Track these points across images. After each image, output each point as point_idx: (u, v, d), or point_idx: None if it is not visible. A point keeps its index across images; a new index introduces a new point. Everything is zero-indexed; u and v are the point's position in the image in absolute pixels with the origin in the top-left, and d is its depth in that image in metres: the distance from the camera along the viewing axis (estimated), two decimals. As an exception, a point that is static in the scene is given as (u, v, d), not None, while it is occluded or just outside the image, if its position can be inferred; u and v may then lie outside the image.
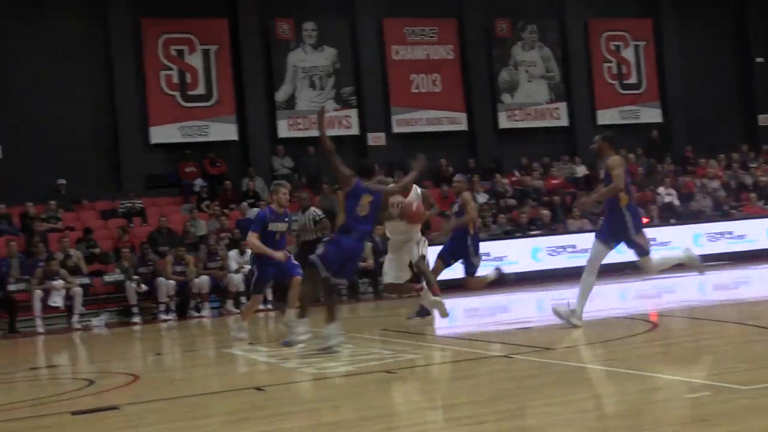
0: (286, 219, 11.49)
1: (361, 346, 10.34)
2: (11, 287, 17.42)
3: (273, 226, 11.18)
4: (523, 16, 26.08)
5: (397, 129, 24.96)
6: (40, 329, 16.79)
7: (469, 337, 11.16)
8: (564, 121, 26.39)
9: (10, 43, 21.44)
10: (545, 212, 21.89)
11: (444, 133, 25.40)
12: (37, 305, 17.05)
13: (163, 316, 17.58)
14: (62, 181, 20.72)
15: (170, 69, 23.26)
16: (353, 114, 24.55)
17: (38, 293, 17.07)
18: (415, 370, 8.35)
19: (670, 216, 22.56)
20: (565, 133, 26.45)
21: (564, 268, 19.35)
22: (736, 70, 28.46)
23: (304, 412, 6.58)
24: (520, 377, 7.43)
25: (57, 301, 17.13)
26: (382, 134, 24.75)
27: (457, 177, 13.50)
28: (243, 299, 17.39)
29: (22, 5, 21.68)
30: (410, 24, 25.31)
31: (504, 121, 25.97)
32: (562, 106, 26.40)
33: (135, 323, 17.24)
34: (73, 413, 7.06)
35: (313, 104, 23.78)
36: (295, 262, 11.63)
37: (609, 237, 10.00)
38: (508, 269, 14.67)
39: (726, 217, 22.64)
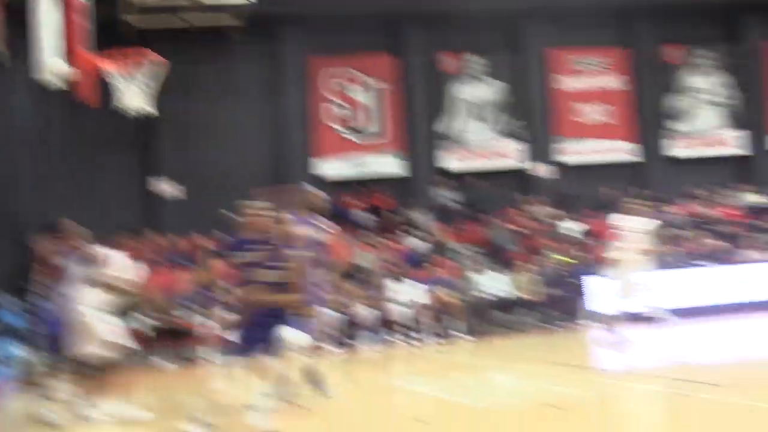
0: None
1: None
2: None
3: None
4: (694, 41, 25.45)
5: (563, 159, 24.78)
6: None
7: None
8: (739, 149, 25.69)
9: (196, 85, 22.35)
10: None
11: (612, 164, 25.09)
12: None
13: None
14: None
15: (340, 106, 23.83)
16: (520, 146, 24.55)
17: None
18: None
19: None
20: (741, 161, 25.71)
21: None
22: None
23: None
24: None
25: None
26: (549, 165, 24.55)
27: None
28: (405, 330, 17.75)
29: (207, 49, 22.51)
30: (578, 53, 25.26)
31: (674, 150, 25.44)
32: (737, 134, 25.70)
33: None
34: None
35: (479, 136, 24.12)
36: None
37: None
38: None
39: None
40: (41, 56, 9.76)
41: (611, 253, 14.44)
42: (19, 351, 17.75)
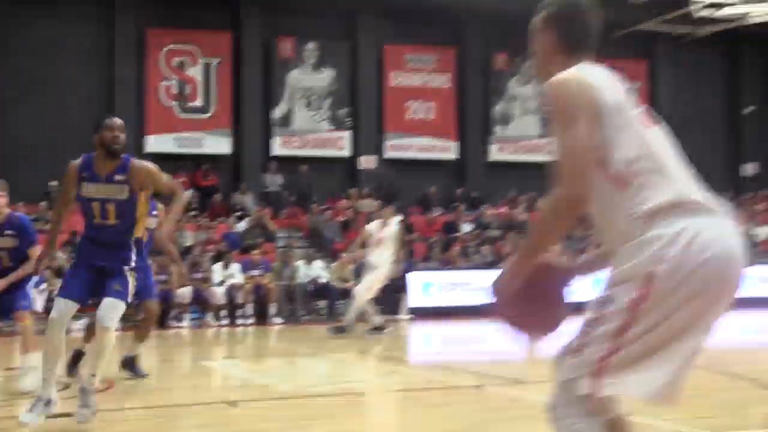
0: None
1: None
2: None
3: None
4: (521, 51, 26.32)
5: (389, 154, 25.42)
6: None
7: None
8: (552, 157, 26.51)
9: (20, 44, 21.80)
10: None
11: (435, 162, 25.88)
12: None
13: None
14: (54, 183, 20.97)
15: (170, 80, 23.72)
16: (347, 136, 24.95)
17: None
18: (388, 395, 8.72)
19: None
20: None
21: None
22: (723, 118, 28.89)
23: (275, 430, 6.95)
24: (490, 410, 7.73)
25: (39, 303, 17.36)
26: (374, 157, 25.12)
27: None
28: (223, 312, 17.85)
29: (33, 6, 21.99)
30: (410, 51, 25.84)
31: (495, 154, 26.42)
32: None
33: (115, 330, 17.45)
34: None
35: (308, 124, 24.38)
36: None
37: None
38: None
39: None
40: None
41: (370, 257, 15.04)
42: None
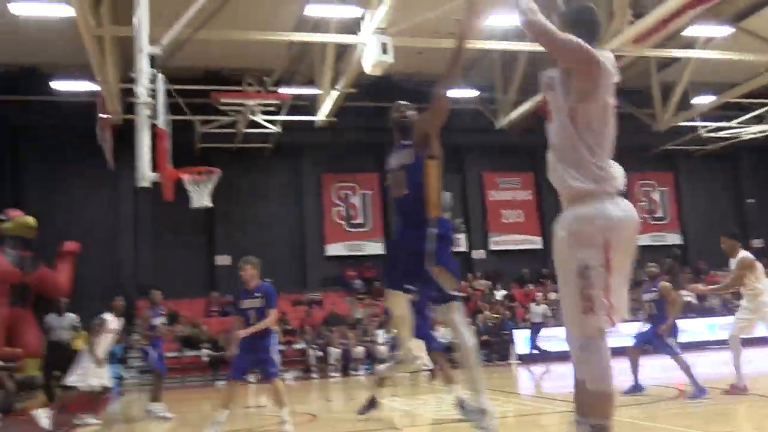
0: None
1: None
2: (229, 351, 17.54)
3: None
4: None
5: (492, 247, 24.48)
6: (251, 379, 16.72)
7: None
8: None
9: (242, 188, 21.87)
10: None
11: (525, 251, 24.80)
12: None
13: (332, 374, 17.39)
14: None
15: (340, 206, 23.59)
16: (462, 237, 24.18)
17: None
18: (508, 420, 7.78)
19: (689, 311, 21.28)
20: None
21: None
22: (731, 208, 27.11)
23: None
24: None
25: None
26: (483, 251, 24.26)
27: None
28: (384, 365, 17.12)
29: (251, 160, 22.16)
30: (501, 176, 25.13)
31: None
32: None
33: (313, 378, 17.07)
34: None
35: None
36: None
37: None
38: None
39: (730, 311, 21.26)
40: (139, 166, 9.38)
41: None
42: (119, 372, 17.35)
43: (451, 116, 20.08)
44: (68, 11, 12.75)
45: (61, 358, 11.83)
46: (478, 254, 24.15)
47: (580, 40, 3.34)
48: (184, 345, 18.25)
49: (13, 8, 14.04)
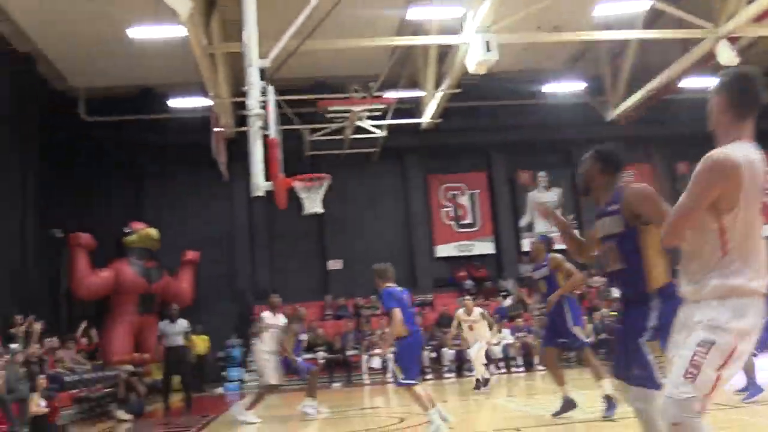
0: None
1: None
2: (348, 352, 17.86)
3: None
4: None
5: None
6: (366, 381, 17.00)
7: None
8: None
9: (350, 193, 22.16)
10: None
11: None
12: (364, 365, 17.34)
13: (447, 375, 17.36)
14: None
15: (448, 207, 23.57)
16: (577, 233, 23.56)
17: (365, 357, 17.36)
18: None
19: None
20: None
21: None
22: None
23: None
24: None
25: (375, 363, 17.34)
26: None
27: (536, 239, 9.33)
28: (501, 364, 16.94)
29: (358, 165, 22.50)
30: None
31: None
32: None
33: (428, 380, 17.10)
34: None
35: (545, 227, 23.50)
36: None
37: None
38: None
39: None
40: (252, 176, 9.70)
41: None
42: (239, 374, 17.96)
43: (559, 111, 19.88)
44: (181, 32, 13.34)
45: (177, 362, 12.40)
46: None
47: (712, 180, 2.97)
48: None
49: (131, 33, 14.83)
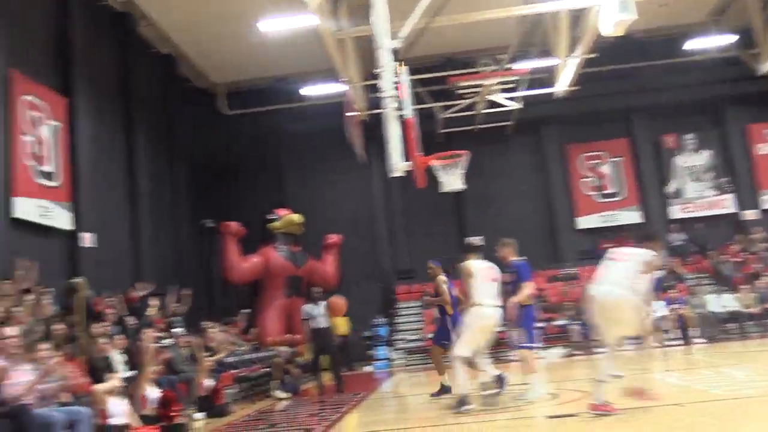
0: None
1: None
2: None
3: None
4: None
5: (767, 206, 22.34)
6: (515, 357, 16.96)
7: None
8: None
9: (486, 168, 22.03)
10: None
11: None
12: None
13: (596, 350, 17.03)
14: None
15: (588, 177, 23.00)
16: (729, 198, 22.39)
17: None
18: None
19: None
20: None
21: None
22: None
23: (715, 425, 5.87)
24: None
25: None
26: (754, 211, 22.22)
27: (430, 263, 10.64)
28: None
29: (493, 139, 22.33)
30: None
31: None
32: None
33: (575, 354, 16.86)
34: (548, 417, 6.94)
35: (696, 193, 22.47)
36: None
37: None
38: None
39: None
40: (389, 157, 9.94)
41: None
42: (386, 352, 18.49)
43: (705, 68, 18.90)
44: (310, 21, 13.78)
45: (323, 343, 12.92)
46: (750, 214, 22.18)
47: None
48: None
49: (261, 26, 15.50)
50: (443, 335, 10.05)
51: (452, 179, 10.04)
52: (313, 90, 20.59)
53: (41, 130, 13.72)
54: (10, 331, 6.77)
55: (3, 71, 12.72)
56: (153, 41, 18.99)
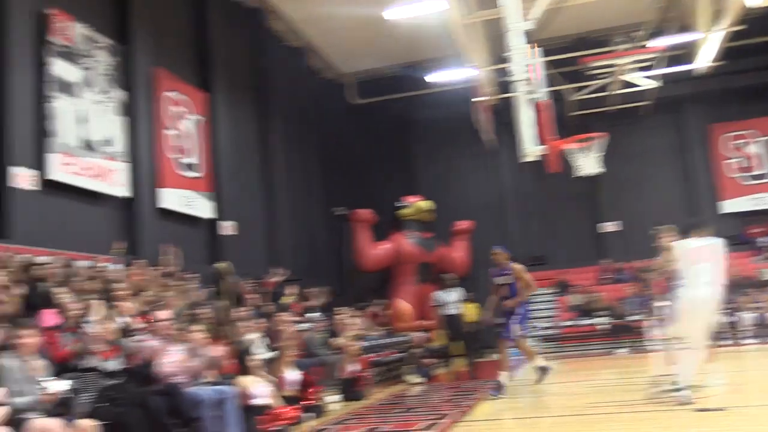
0: None
1: None
2: (629, 318, 17.40)
3: None
4: None
5: None
6: (655, 347, 16.37)
7: None
8: None
9: (621, 151, 21.21)
10: None
11: None
12: (650, 332, 16.72)
13: (747, 340, 16.19)
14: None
15: (735, 158, 21.75)
16: None
17: (649, 323, 16.74)
18: None
19: None
20: None
21: None
22: None
23: None
24: None
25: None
26: None
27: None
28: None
29: (628, 121, 21.52)
30: None
31: None
32: None
33: (724, 345, 16.05)
34: (697, 410, 6.67)
35: None
36: None
37: None
38: None
39: None
40: (520, 142, 9.81)
41: None
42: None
43: None
44: (436, 7, 13.78)
45: (454, 330, 12.93)
46: None
47: None
48: (579, 314, 18.59)
49: (387, 15, 15.65)
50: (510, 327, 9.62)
51: (588, 162, 9.79)
52: (440, 76, 20.59)
53: (183, 124, 14.50)
54: (163, 314, 7.26)
55: (148, 70, 13.54)
56: (284, 35, 19.59)
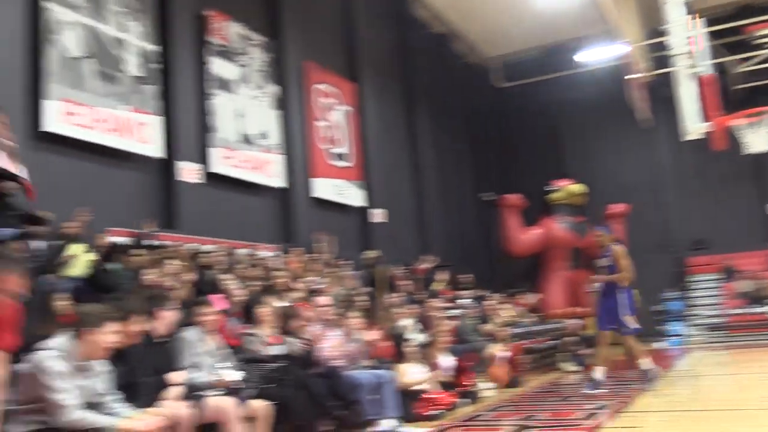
0: None
1: None
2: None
3: None
4: None
5: None
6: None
7: None
8: None
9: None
10: None
11: None
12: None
13: None
14: None
15: None
16: None
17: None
18: None
19: None
20: None
21: None
22: None
23: None
24: None
25: None
26: None
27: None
28: None
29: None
30: None
31: None
32: None
33: None
34: None
35: None
36: None
37: None
38: None
39: None
40: (681, 119, 9.32)
41: None
42: (680, 328, 17.57)
43: None
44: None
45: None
46: None
47: None
48: (748, 301, 17.51)
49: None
50: (611, 317, 8.80)
51: (757, 139, 9.16)
52: (587, 56, 19.94)
53: (333, 115, 14.89)
54: (324, 300, 7.51)
55: (299, 63, 14.00)
56: (428, 21, 19.63)
